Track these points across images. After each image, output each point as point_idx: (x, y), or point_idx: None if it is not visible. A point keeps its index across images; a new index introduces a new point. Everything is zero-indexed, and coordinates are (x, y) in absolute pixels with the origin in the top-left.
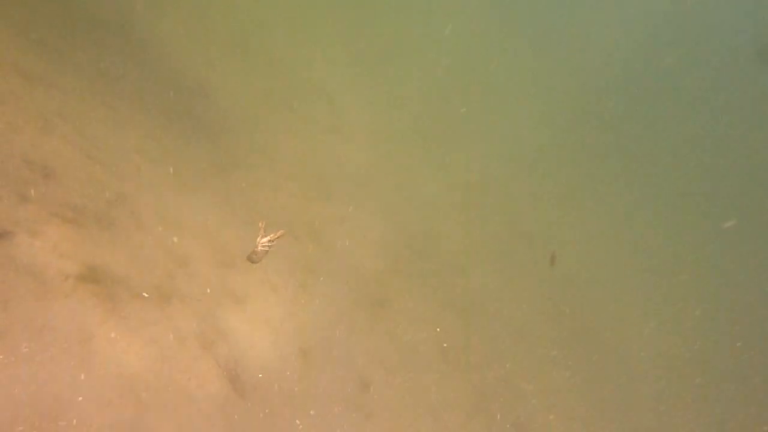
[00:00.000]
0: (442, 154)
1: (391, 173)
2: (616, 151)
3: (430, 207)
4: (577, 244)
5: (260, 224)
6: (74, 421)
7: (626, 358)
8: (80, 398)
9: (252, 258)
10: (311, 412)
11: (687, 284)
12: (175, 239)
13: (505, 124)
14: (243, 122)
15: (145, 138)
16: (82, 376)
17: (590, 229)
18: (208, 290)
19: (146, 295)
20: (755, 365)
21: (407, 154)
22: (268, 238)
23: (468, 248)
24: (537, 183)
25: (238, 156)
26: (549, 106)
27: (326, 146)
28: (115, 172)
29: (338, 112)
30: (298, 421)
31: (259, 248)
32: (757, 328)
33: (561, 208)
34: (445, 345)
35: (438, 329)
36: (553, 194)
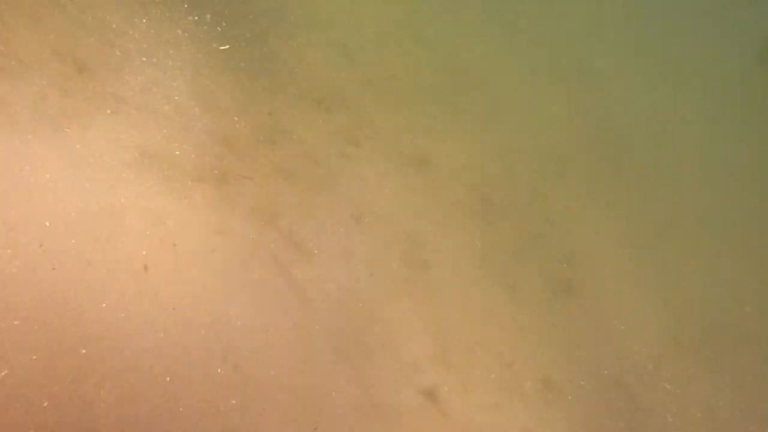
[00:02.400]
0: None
1: (416, 31)
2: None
3: (458, 61)
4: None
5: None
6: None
7: (669, 187)
8: (149, 271)
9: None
10: (370, 272)
11: None
12: (215, 119)
13: None
14: None
15: (162, 22)
16: (167, 255)
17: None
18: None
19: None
20: None
21: (430, 12)
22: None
23: (500, 94)
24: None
25: (255, 28)
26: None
27: (344, 7)
28: (141, 57)
29: None
30: (358, 276)
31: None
32: None
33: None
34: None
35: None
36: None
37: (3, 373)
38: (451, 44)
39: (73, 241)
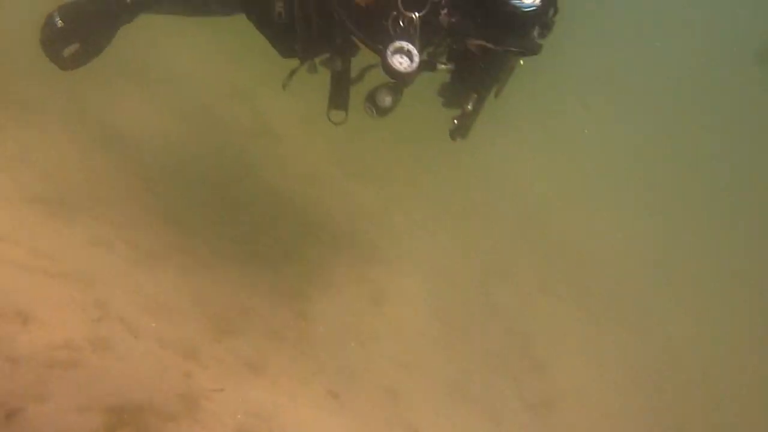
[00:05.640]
0: None
1: None
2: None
3: None
4: None
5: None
6: None
7: None
8: None
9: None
10: None
11: None
12: (172, 329)
13: None
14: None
15: (94, 223)
16: None
17: None
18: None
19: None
20: None
21: None
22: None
23: None
24: None
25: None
26: None
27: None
28: (83, 281)
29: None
30: None
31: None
32: None
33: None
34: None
35: None
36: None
37: None
38: None
39: None
